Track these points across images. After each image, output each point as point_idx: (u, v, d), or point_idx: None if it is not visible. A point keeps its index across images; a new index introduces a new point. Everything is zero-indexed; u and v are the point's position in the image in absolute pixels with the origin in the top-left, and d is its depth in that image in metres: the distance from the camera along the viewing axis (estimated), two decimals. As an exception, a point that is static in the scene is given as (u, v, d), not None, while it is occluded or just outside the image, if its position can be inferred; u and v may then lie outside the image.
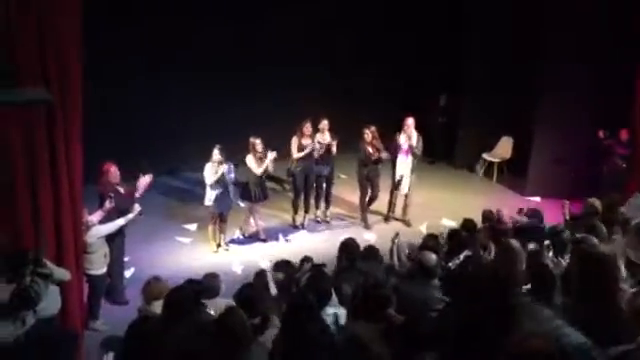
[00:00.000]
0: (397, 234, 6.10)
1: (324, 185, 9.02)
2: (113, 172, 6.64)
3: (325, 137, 8.66)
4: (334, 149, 8.65)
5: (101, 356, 5.76)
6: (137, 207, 6.62)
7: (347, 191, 9.18)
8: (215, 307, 4.75)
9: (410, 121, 8.81)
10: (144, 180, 6.85)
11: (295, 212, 9.00)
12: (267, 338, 3.97)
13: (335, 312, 4.31)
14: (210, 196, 7.84)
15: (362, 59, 11.43)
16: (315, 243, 8.47)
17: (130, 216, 6.48)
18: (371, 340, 3.16)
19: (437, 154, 11.82)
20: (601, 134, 9.42)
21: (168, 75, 9.76)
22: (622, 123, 9.21)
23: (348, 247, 5.58)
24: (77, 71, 5.10)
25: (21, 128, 4.90)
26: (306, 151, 8.47)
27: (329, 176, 8.98)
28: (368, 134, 8.62)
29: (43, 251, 4.95)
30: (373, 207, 9.37)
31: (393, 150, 8.86)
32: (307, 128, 8.48)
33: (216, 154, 7.69)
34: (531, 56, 9.96)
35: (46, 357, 4.90)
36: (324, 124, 8.70)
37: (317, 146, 8.47)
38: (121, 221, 6.40)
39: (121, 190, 6.70)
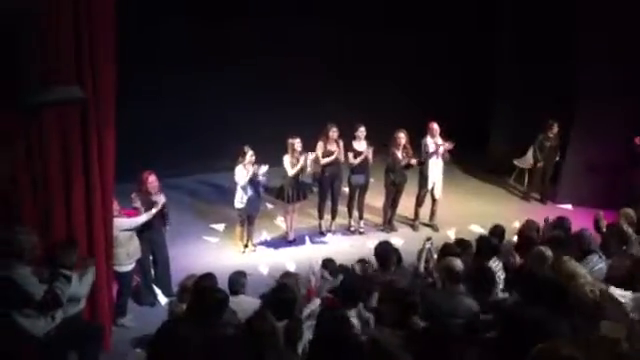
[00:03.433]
0: (429, 238, 6.04)
1: (357, 194, 8.87)
2: (152, 181, 6.67)
3: (361, 145, 8.57)
4: (371, 157, 8.54)
5: (129, 353, 5.84)
6: (162, 198, 6.64)
7: (372, 196, 9.13)
8: (239, 305, 4.78)
9: (435, 126, 8.74)
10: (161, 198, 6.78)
11: (320, 217, 8.95)
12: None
13: (364, 317, 4.29)
14: (241, 198, 7.88)
15: (390, 61, 11.37)
16: (341, 247, 8.45)
17: (153, 211, 6.46)
18: (396, 346, 3.13)
19: (466, 159, 11.69)
20: (637, 141, 9.18)
21: (201, 75, 9.85)
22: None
23: (381, 251, 5.53)
24: (111, 70, 5.19)
25: (56, 127, 5.01)
26: (332, 158, 8.39)
27: (364, 185, 8.81)
28: (401, 138, 8.55)
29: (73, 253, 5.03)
30: (401, 212, 9.31)
31: (424, 156, 8.79)
32: (333, 132, 8.36)
33: (249, 155, 7.73)
34: (565, 59, 9.79)
35: (73, 349, 5.00)
36: (361, 131, 8.53)
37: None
38: (144, 217, 6.39)
39: (156, 200, 6.64)
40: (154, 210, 6.49)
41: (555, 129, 9.88)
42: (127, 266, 6.34)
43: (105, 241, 5.64)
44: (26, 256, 4.61)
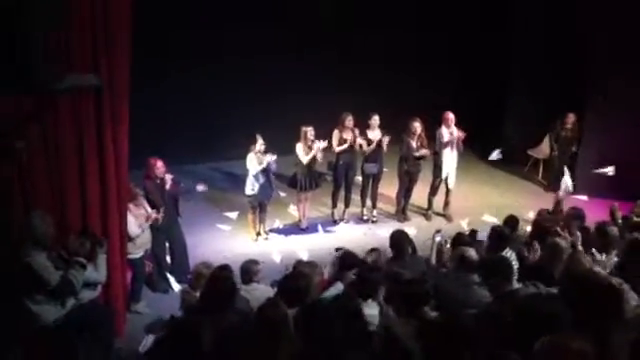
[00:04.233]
0: (438, 230, 6.02)
1: (371, 183, 8.85)
2: (159, 167, 6.74)
3: (375, 133, 8.54)
4: (385, 146, 8.52)
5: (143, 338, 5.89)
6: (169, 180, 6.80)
7: (385, 185, 9.11)
8: (252, 293, 4.80)
9: (451, 115, 8.68)
10: (170, 176, 6.90)
11: (334, 206, 8.95)
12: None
13: (377, 308, 4.28)
14: (252, 186, 7.89)
15: (405, 51, 11.29)
16: (354, 236, 8.45)
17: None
18: (407, 337, 3.12)
19: (480, 149, 11.60)
20: None
21: (212, 63, 9.84)
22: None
23: (396, 239, 5.51)
24: (126, 57, 5.19)
25: (71, 114, 5.04)
26: (346, 145, 8.37)
27: (377, 174, 8.80)
28: (415, 127, 8.49)
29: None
30: (414, 202, 9.29)
31: (438, 146, 8.75)
32: (349, 121, 8.34)
33: (260, 143, 7.73)
34: (578, 50, 9.67)
35: (86, 335, 5.06)
36: (375, 120, 8.52)
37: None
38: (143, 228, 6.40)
39: (164, 184, 6.79)
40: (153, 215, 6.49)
41: (572, 119, 9.78)
42: (136, 254, 6.37)
43: (119, 228, 5.68)
44: (42, 241, 4.66)
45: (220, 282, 4.36)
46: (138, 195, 6.43)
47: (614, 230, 5.42)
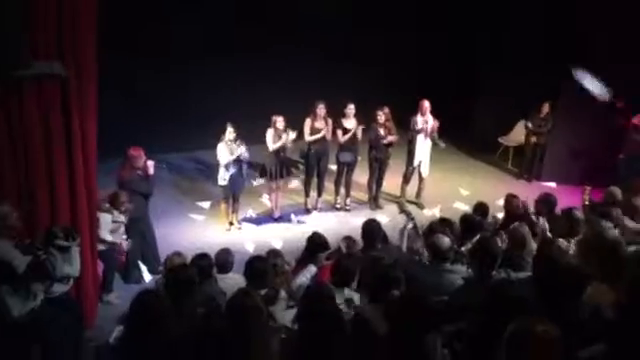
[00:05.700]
0: (410, 216, 6.05)
1: (345, 172, 8.87)
2: (140, 157, 6.66)
3: (351, 122, 8.54)
4: (359, 135, 8.54)
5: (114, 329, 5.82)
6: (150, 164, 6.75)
7: (357, 173, 9.13)
8: (227, 282, 4.79)
9: (426, 104, 8.73)
10: (151, 162, 6.83)
11: (307, 195, 8.95)
12: (276, 310, 3.99)
13: (350, 295, 4.30)
14: (224, 175, 7.85)
15: (380, 39, 11.29)
16: (327, 224, 8.45)
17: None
18: (378, 321, 3.14)
19: (452, 137, 11.69)
20: (637, 121, 9.12)
21: (184, 53, 9.73)
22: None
23: (367, 229, 5.53)
24: (92, 43, 5.09)
25: (36, 101, 4.93)
26: (319, 135, 8.37)
27: (352, 163, 8.83)
28: (381, 115, 8.53)
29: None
30: (386, 189, 9.33)
31: (411, 133, 8.79)
32: (320, 109, 8.34)
33: (230, 132, 7.69)
34: (547, 35, 9.81)
35: (55, 328, 4.98)
36: (350, 109, 8.52)
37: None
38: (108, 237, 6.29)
39: (143, 174, 6.74)
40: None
41: (546, 109, 9.90)
42: (104, 247, 6.28)
43: (89, 220, 5.60)
44: (5, 231, 4.57)
45: (180, 270, 4.35)
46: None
47: (580, 214, 5.50)
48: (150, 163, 6.77)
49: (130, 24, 8.83)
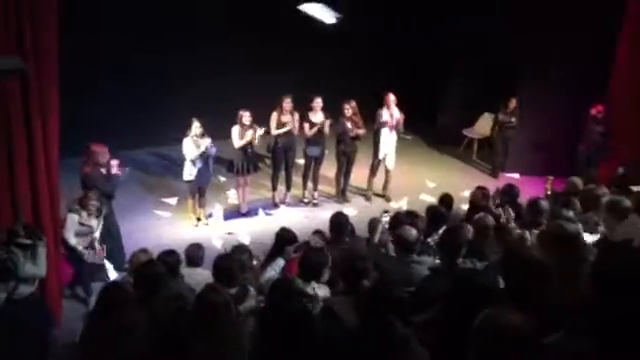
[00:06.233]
0: (386, 211, 6.10)
1: (312, 165, 8.87)
2: (103, 153, 6.55)
3: (318, 116, 8.54)
4: (327, 129, 8.55)
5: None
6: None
7: (325, 167, 9.16)
8: (196, 278, 4.77)
9: (392, 97, 8.79)
10: (115, 161, 6.74)
11: (274, 189, 8.93)
12: (245, 308, 3.99)
13: (316, 288, 4.32)
14: (190, 171, 7.79)
15: (347, 33, 11.29)
16: (295, 218, 8.47)
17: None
18: (346, 313, 3.16)
19: (417, 130, 11.81)
20: (594, 111, 9.31)
21: (148, 45, 9.56)
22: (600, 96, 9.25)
23: (335, 222, 5.55)
24: (53, 40, 4.99)
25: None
26: (285, 129, 8.37)
27: (319, 157, 8.83)
28: (348, 109, 8.57)
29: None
30: (353, 182, 9.38)
31: (376, 126, 8.85)
32: (287, 103, 8.33)
33: (196, 127, 7.63)
34: (509, 29, 9.95)
35: (21, 329, 4.88)
36: (317, 102, 8.52)
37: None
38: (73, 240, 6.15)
39: (105, 172, 6.63)
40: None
41: (513, 103, 10.01)
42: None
43: (52, 219, 5.50)
44: None
45: (147, 267, 4.33)
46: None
47: (545, 204, 5.61)
48: (114, 162, 6.66)
49: (91, 20, 8.68)
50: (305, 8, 6.76)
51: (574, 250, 2.91)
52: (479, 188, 6.57)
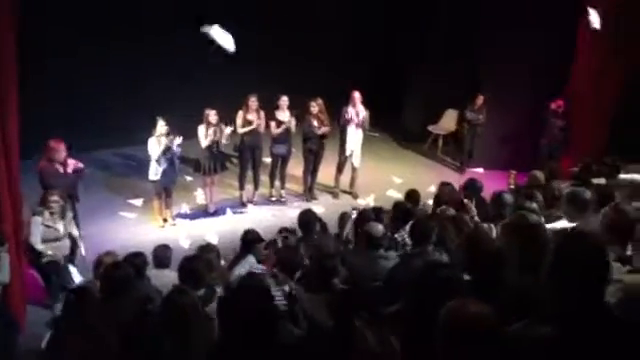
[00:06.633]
0: (355, 208, 6.14)
1: (279, 164, 8.86)
2: (60, 150, 6.44)
3: (284, 115, 8.54)
4: (293, 127, 8.56)
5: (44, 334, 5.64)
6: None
7: (292, 165, 9.16)
8: (162, 280, 4.73)
9: (357, 95, 8.84)
10: (73, 161, 6.65)
11: (241, 188, 8.89)
12: (213, 310, 3.96)
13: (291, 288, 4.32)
14: (155, 170, 7.71)
15: (313, 33, 11.33)
16: (263, 218, 8.45)
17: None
18: (316, 310, 3.17)
19: (383, 127, 11.89)
20: (553, 105, 9.52)
21: (114, 45, 9.44)
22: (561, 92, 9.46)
23: (304, 219, 5.56)
24: (10, 40, 4.88)
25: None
26: (251, 127, 8.34)
27: (286, 155, 8.83)
28: (314, 107, 8.59)
29: None
30: (321, 180, 9.41)
31: (342, 124, 8.89)
32: (252, 102, 8.31)
33: (161, 126, 7.56)
34: (472, 27, 10.10)
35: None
36: (284, 101, 8.53)
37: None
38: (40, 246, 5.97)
39: (62, 170, 6.52)
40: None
41: (480, 101, 10.06)
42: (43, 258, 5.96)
43: (14, 225, 5.38)
44: None
45: (114, 269, 4.27)
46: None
47: (509, 198, 5.71)
48: (71, 162, 6.55)
49: (48, 19, 8.50)
50: (210, 31, 6.50)
51: (536, 239, 2.97)
52: (444, 184, 6.65)
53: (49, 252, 5.94)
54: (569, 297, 2.18)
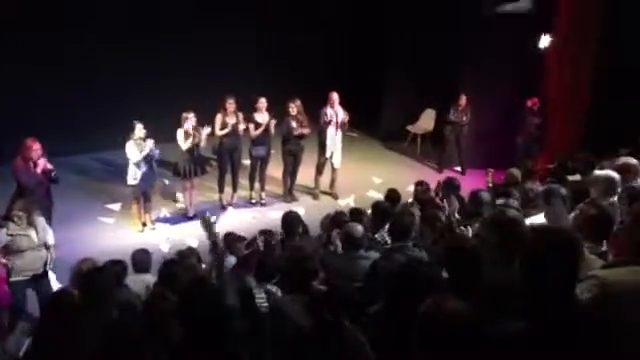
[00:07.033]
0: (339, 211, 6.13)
1: (259, 166, 8.84)
2: (36, 149, 6.41)
3: (263, 116, 8.52)
4: (272, 129, 8.54)
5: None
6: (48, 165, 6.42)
7: (272, 167, 9.15)
8: (144, 283, 4.71)
9: (335, 96, 8.86)
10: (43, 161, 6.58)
11: (221, 191, 8.86)
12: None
13: (270, 289, 4.31)
14: (134, 174, 7.66)
15: (289, 34, 11.34)
16: (243, 220, 8.43)
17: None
18: (295, 312, 3.17)
19: (362, 127, 11.93)
20: (530, 103, 9.61)
21: (86, 51, 9.37)
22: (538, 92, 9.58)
23: (287, 221, 5.55)
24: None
25: None
26: (229, 129, 8.32)
27: (265, 157, 8.81)
28: (293, 108, 8.60)
29: None
30: (301, 182, 9.41)
31: (321, 125, 8.90)
32: (230, 104, 8.29)
33: (139, 129, 7.52)
34: (450, 26, 10.17)
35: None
36: (262, 102, 8.54)
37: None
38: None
39: (32, 169, 6.47)
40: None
41: (463, 101, 10.06)
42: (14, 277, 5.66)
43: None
44: None
45: (95, 275, 4.22)
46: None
47: (486, 196, 5.75)
48: (41, 162, 6.48)
49: (23, 24, 8.42)
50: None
51: (514, 234, 3.01)
52: (418, 184, 6.71)
53: (17, 262, 5.60)
54: (540, 292, 2.21)
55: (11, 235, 5.59)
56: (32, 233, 5.74)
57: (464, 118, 10.11)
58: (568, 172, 6.62)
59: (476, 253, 3.06)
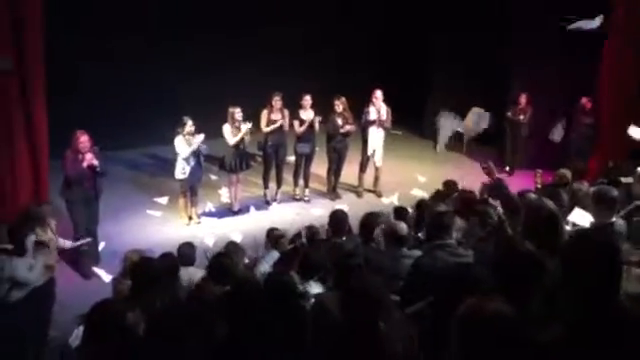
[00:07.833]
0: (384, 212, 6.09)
1: (303, 163, 8.88)
2: (82, 141, 6.49)
3: (308, 114, 8.56)
4: (317, 126, 8.57)
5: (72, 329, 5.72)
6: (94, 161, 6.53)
7: (316, 165, 9.17)
8: (189, 276, 4.79)
9: (379, 93, 8.82)
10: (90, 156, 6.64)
11: (265, 187, 8.93)
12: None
13: (314, 286, 4.33)
14: (183, 169, 7.79)
15: (337, 31, 11.35)
16: (287, 216, 8.48)
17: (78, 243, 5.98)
18: (337, 309, 3.16)
19: (406, 125, 11.82)
20: (585, 102, 9.37)
21: (136, 48, 9.58)
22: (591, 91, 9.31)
23: (335, 218, 5.55)
24: (38, 40, 4.98)
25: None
26: (275, 125, 8.38)
27: (309, 154, 8.84)
28: (339, 105, 8.58)
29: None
30: (345, 179, 9.39)
31: (364, 123, 8.87)
32: (276, 101, 8.34)
33: (189, 125, 7.63)
34: (498, 27, 9.98)
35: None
36: (307, 100, 8.56)
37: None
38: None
39: (81, 161, 6.53)
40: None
41: (523, 99, 9.87)
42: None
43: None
44: None
45: (144, 267, 4.31)
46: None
47: (533, 198, 5.61)
48: (88, 156, 6.50)
49: (77, 21, 8.66)
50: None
51: (554, 227, 2.94)
52: (447, 183, 6.71)
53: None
54: (579, 299, 2.16)
55: (38, 242, 5.28)
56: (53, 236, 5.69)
57: (522, 117, 9.90)
58: (622, 174, 6.41)
59: (539, 259, 2.94)
